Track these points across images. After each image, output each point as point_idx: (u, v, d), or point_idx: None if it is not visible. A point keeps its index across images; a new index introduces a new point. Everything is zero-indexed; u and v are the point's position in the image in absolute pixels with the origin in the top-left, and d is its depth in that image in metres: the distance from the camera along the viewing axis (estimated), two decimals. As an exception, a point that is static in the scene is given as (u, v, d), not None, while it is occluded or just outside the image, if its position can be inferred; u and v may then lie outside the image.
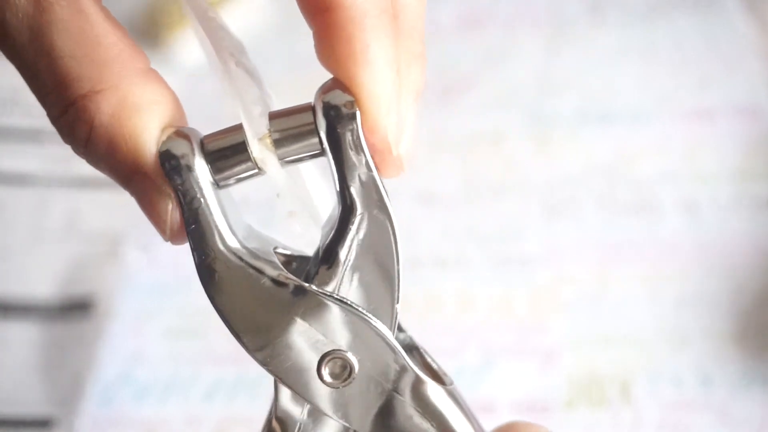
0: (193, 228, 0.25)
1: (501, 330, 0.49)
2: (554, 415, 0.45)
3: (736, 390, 0.46)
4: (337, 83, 0.25)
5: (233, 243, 0.25)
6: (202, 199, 0.25)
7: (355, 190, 0.25)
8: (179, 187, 0.25)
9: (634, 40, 0.62)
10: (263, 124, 0.25)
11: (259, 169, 0.25)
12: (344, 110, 0.25)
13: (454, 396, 0.27)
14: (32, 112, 0.60)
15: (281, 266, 0.26)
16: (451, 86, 0.60)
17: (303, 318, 0.25)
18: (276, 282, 0.25)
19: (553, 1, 0.65)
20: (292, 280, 0.25)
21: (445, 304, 0.50)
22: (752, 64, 0.60)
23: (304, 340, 0.25)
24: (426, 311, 0.50)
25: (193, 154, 0.25)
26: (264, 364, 0.25)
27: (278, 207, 0.27)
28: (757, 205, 0.53)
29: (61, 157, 0.57)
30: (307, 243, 0.27)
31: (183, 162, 0.25)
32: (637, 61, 0.61)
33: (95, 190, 0.56)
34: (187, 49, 0.62)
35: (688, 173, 0.55)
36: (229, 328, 0.25)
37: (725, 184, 0.54)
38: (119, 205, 0.54)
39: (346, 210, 0.25)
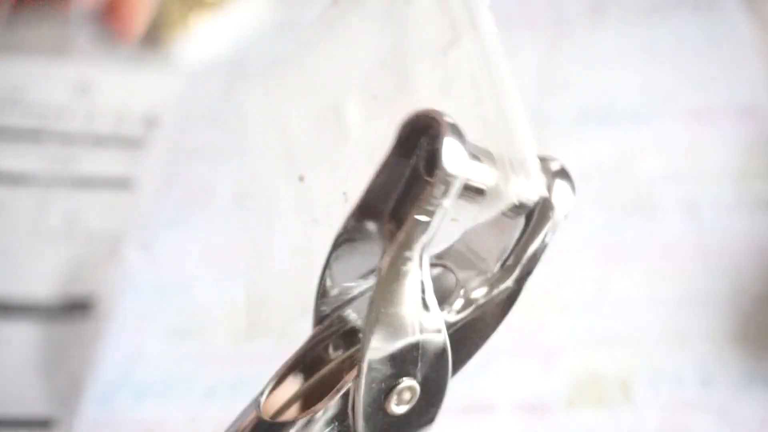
0: None
1: (501, 330, 0.49)
2: (554, 415, 0.45)
3: (736, 390, 0.46)
4: None
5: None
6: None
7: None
8: None
9: (635, 40, 0.62)
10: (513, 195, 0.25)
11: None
12: None
13: None
14: (32, 112, 0.60)
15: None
16: (451, 86, 0.60)
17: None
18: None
19: (553, 1, 0.65)
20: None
21: (445, 304, 0.50)
22: (753, 64, 0.60)
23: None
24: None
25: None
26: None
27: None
28: (758, 205, 0.53)
29: (61, 157, 0.57)
30: None
31: None
32: (638, 61, 0.61)
33: (95, 190, 0.56)
34: (187, 49, 0.62)
35: (689, 173, 0.55)
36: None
37: (726, 184, 0.54)
38: (119, 205, 0.54)
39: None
